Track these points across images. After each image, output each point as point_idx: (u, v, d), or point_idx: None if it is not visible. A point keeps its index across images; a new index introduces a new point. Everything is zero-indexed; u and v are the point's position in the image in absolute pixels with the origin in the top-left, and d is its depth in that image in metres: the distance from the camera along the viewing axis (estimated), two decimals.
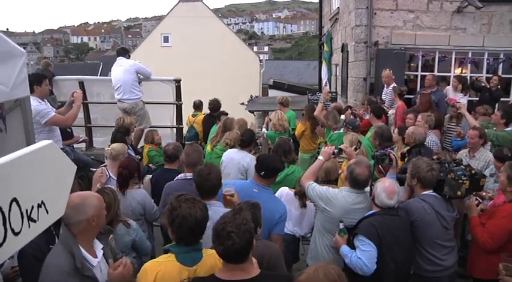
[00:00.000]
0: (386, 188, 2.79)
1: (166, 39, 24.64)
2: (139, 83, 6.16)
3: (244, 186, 3.18)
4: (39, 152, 1.41)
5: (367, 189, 3.06)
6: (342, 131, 5.40)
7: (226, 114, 6.72)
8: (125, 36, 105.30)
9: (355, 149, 3.64)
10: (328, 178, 3.61)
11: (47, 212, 1.42)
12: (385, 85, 7.12)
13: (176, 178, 3.54)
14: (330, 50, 11.58)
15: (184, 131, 7.17)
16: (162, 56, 22.05)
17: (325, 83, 11.45)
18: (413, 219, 2.91)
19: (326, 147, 3.42)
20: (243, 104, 16.29)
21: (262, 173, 3.12)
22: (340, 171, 4.40)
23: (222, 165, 4.35)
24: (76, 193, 2.08)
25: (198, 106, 7.29)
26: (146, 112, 6.31)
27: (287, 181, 4.04)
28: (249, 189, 3.11)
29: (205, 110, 7.20)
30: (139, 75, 6.15)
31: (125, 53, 6.24)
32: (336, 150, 3.33)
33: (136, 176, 3.57)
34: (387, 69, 7.01)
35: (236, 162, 4.26)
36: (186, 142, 6.68)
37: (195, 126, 6.99)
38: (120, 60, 6.12)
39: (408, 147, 4.33)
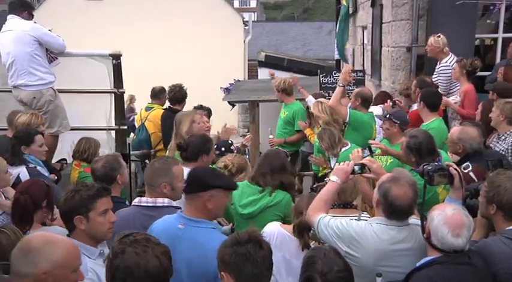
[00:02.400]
0: (449, 220, 2.78)
1: None
2: (51, 60, 6.14)
3: (167, 225, 3.17)
4: None
5: (414, 220, 3.08)
6: (349, 147, 5.51)
7: (207, 110, 6.71)
8: None
9: None
10: (344, 200, 3.71)
11: None
12: (439, 59, 7.05)
13: (134, 203, 3.66)
14: (353, 4, 11.66)
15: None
16: (88, 16, 21.88)
17: (344, 64, 11.48)
18: (496, 270, 2.87)
19: (341, 164, 3.50)
20: (226, 90, 16.13)
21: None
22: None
23: None
24: (42, 233, 2.16)
25: (156, 95, 7.32)
26: (60, 107, 6.27)
27: (266, 216, 4.13)
28: (172, 228, 3.10)
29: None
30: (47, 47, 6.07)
31: (22, 9, 6.13)
32: (356, 167, 3.43)
33: (45, 205, 3.58)
34: (435, 35, 6.90)
35: None
36: (132, 151, 6.62)
37: (148, 125, 7.01)
38: (11, 22, 6.03)
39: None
